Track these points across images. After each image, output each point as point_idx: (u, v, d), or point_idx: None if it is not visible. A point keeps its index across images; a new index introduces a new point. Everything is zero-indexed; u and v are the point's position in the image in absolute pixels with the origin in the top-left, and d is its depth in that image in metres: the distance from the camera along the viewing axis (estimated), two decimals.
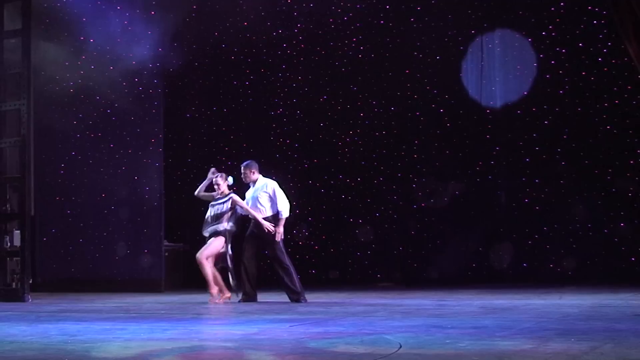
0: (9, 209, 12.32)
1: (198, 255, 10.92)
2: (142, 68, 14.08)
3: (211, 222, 10.97)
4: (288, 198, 10.96)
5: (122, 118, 14.24)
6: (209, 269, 10.87)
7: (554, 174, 14.40)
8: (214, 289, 10.89)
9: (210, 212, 11.03)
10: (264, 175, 11.09)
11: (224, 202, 10.95)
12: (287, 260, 10.77)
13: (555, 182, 14.42)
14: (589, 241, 14.17)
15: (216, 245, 10.87)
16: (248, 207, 10.87)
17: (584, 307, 9.42)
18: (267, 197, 10.88)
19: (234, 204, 10.90)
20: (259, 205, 10.85)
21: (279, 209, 10.78)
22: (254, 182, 11.01)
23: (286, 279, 10.70)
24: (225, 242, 10.88)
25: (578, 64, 14.30)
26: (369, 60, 15.29)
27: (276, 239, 10.69)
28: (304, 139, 15.61)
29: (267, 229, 10.71)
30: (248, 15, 15.26)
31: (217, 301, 10.99)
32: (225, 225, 10.88)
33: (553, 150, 14.45)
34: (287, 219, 10.83)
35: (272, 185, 10.94)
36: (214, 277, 11.01)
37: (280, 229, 10.72)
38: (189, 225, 15.10)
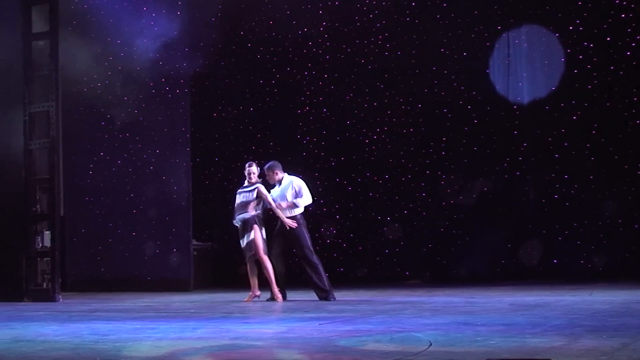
0: (39, 210, 12.42)
1: (259, 259, 10.92)
2: (169, 68, 14.14)
3: (238, 211, 11.02)
4: (314, 196, 10.98)
5: (150, 118, 14.30)
6: (270, 267, 10.88)
7: (583, 169, 14.28)
8: (275, 288, 10.90)
9: (237, 200, 11.09)
10: (289, 174, 11.12)
11: (250, 191, 10.99)
12: (315, 258, 10.79)
13: (584, 178, 14.31)
14: (619, 237, 14.05)
15: (257, 237, 10.88)
16: (272, 201, 10.90)
17: (615, 303, 9.34)
18: (293, 195, 10.90)
19: (259, 194, 10.94)
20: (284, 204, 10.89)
21: (298, 201, 10.79)
22: (280, 181, 11.03)
23: (314, 277, 10.71)
24: (259, 228, 10.91)
25: (606, 59, 14.17)
26: (395, 58, 15.25)
27: (286, 225, 10.71)
28: (330, 137, 15.59)
29: (289, 226, 10.74)
30: (274, 14, 15.28)
31: (245, 300, 11.02)
32: (252, 212, 10.92)
33: (582, 145, 14.33)
34: (304, 215, 10.85)
35: (297, 182, 10.97)
36: (252, 271, 11.04)
37: (293, 223, 10.74)
38: (217, 224, 15.17)
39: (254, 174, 11.06)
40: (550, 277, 13.93)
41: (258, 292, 11.06)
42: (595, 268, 14.04)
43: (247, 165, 11.17)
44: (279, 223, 10.92)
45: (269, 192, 11.02)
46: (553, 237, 14.40)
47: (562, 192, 14.40)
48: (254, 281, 11.07)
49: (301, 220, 10.92)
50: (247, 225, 10.91)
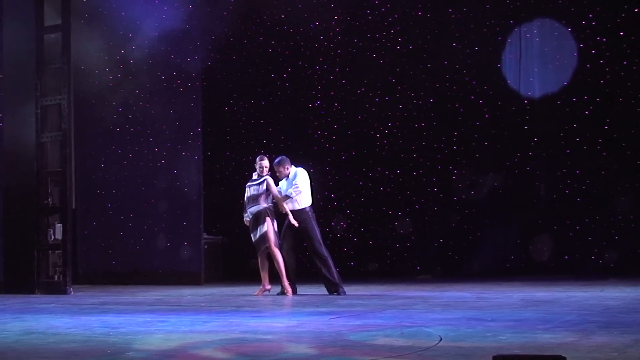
0: (51, 202, 12.47)
1: (271, 251, 10.93)
2: (180, 62, 14.16)
3: (249, 204, 11.04)
4: (324, 191, 10.98)
5: (161, 112, 14.33)
6: (281, 260, 10.89)
7: (595, 165, 14.23)
8: (286, 282, 10.91)
9: (247, 193, 11.10)
10: (295, 166, 11.17)
11: (260, 184, 11.01)
12: (325, 252, 10.80)
13: (596, 173, 14.25)
14: (631, 233, 13.99)
15: (269, 229, 10.90)
16: (278, 195, 10.93)
17: (626, 299, 9.31)
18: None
19: (267, 187, 10.95)
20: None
21: (289, 191, 10.80)
22: (288, 176, 11.06)
23: (324, 270, 10.72)
24: (271, 220, 10.93)
25: (619, 53, 14.10)
26: (407, 52, 15.22)
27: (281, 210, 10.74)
28: (341, 132, 15.58)
29: (292, 223, 10.77)
30: (285, 8, 15.27)
31: (255, 294, 11.03)
32: (264, 205, 10.93)
33: (594, 141, 14.28)
34: (313, 208, 10.90)
35: (297, 174, 10.96)
36: (263, 265, 11.06)
37: (285, 207, 10.79)
38: (228, 218, 15.17)
39: (265, 167, 11.07)
40: (561, 273, 13.89)
41: (269, 286, 11.07)
42: (606, 264, 13.99)
43: (258, 158, 11.18)
44: (287, 221, 10.93)
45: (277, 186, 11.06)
46: (564, 232, 14.36)
47: (574, 188, 14.35)
48: (265, 275, 11.08)
49: (310, 214, 10.93)
50: (259, 218, 10.92)
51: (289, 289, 10.85)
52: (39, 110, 12.39)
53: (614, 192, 14.13)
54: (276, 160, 11.15)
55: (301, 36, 15.58)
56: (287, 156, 11.21)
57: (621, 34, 14.11)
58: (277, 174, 11.11)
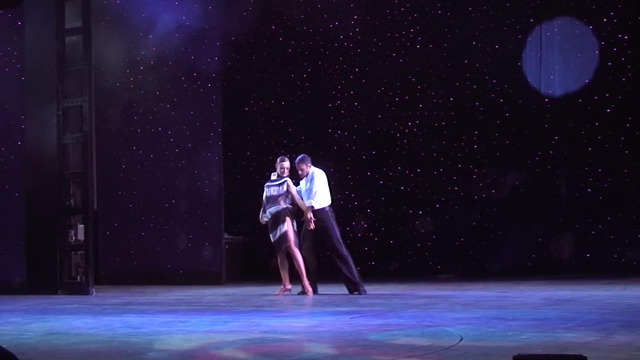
0: (73, 203, 12.55)
1: (291, 251, 10.95)
2: (201, 63, 14.19)
3: (268, 204, 11.06)
4: (344, 190, 10.98)
5: (182, 112, 14.37)
6: (301, 260, 10.91)
7: (617, 163, 14.13)
8: (306, 282, 10.92)
9: (266, 193, 11.12)
10: (315, 166, 11.20)
11: (280, 184, 11.04)
12: (345, 251, 10.81)
13: (618, 172, 14.15)
14: None
15: (289, 229, 10.92)
16: (298, 197, 10.97)
17: None
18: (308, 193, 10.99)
19: (288, 188, 10.98)
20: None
21: (310, 202, 10.82)
22: (308, 175, 11.08)
23: (344, 270, 10.73)
24: (291, 220, 10.95)
25: None
26: (427, 51, 15.18)
27: (308, 227, 10.74)
28: (362, 131, 15.56)
29: (308, 223, 10.78)
30: (304, 8, 15.27)
31: (276, 294, 11.05)
32: (284, 205, 10.96)
33: (616, 139, 14.18)
34: (332, 207, 10.85)
35: (315, 178, 10.98)
36: (283, 265, 11.08)
37: (308, 216, 10.77)
38: (249, 218, 15.20)
39: (287, 168, 11.11)
40: (583, 272, 13.81)
41: (289, 286, 11.09)
42: (629, 262, 13.89)
43: (279, 159, 11.21)
44: (306, 221, 10.93)
45: (297, 186, 11.10)
46: (586, 231, 14.28)
47: (595, 186, 14.26)
48: (285, 274, 11.11)
49: (330, 213, 10.95)
50: (278, 218, 10.95)
51: (309, 289, 10.86)
52: (61, 112, 12.48)
53: (636, 191, 14.03)
54: (298, 158, 11.18)
55: (321, 36, 15.58)
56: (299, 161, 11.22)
57: None
58: (299, 172, 11.13)
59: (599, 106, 14.25)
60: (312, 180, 10.97)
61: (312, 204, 10.84)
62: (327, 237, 10.86)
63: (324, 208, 10.91)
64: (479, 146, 14.96)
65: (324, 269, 11.76)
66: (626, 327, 6.37)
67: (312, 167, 11.15)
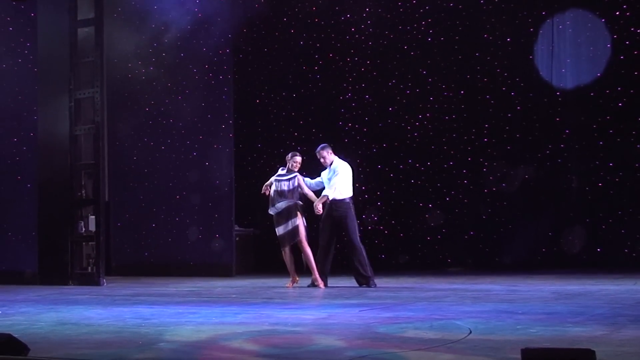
0: (84, 195, 12.61)
1: (301, 245, 10.99)
2: (212, 54, 14.23)
3: (277, 199, 11.06)
4: (355, 183, 10.99)
5: (193, 104, 14.40)
6: (311, 254, 10.95)
7: (628, 157, 14.09)
8: (317, 274, 10.95)
9: (276, 187, 11.11)
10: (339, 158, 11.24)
11: (290, 179, 11.05)
12: (360, 244, 10.81)
13: (630, 166, 14.12)
14: None
15: (301, 223, 10.95)
16: (308, 191, 11.01)
17: None
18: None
19: (299, 183, 11.00)
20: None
21: (327, 190, 10.83)
22: (331, 164, 11.09)
23: (356, 262, 10.74)
24: (301, 215, 10.98)
25: None
26: (438, 44, 15.17)
27: (315, 211, 10.78)
28: (372, 124, 15.57)
29: (316, 209, 10.80)
30: (316, 1, 15.27)
31: (287, 286, 11.08)
32: (294, 200, 10.98)
33: (628, 133, 14.14)
34: (343, 199, 10.91)
35: (335, 164, 11.00)
36: (291, 258, 11.12)
37: (319, 206, 10.83)
38: (259, 210, 15.23)
39: (299, 163, 11.13)
40: (593, 266, 13.79)
41: (297, 278, 11.13)
42: None
43: (291, 154, 11.22)
44: (326, 209, 10.94)
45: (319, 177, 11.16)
46: (597, 225, 14.25)
47: (607, 180, 14.23)
48: (292, 267, 11.15)
49: (350, 204, 10.97)
50: (290, 213, 10.96)
51: (320, 281, 10.88)
52: (73, 103, 12.54)
53: None
54: (322, 145, 11.21)
55: (332, 29, 15.59)
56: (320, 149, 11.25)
57: None
58: (321, 160, 11.13)
59: (610, 100, 14.21)
60: (334, 172, 10.99)
61: (327, 194, 10.85)
62: (346, 229, 10.88)
63: (344, 199, 10.92)
64: (489, 139, 14.95)
65: (335, 262, 11.77)
66: (636, 322, 6.36)
67: (337, 159, 11.15)
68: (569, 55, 14.53)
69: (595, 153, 14.31)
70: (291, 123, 15.85)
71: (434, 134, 15.23)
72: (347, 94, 15.71)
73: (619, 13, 14.14)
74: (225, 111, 14.33)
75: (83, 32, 12.63)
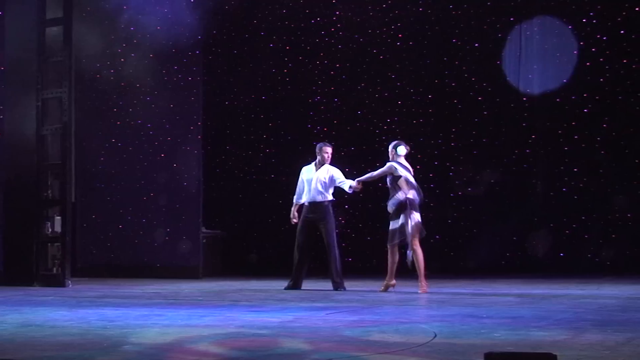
0: (51, 195, 12.51)
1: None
2: (181, 56, 14.19)
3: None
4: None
5: (162, 106, 14.33)
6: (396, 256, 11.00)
7: (593, 163, 14.25)
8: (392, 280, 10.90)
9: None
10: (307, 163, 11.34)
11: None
12: (334, 243, 10.92)
13: (594, 171, 14.28)
14: (628, 231, 14.03)
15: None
16: (368, 175, 11.34)
17: (622, 298, 9.36)
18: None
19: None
20: (320, 189, 11.05)
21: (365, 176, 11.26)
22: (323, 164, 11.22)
23: (333, 265, 10.84)
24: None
25: (619, 52, 14.13)
26: (407, 48, 15.23)
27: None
28: (341, 127, 15.59)
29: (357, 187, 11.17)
30: (287, 3, 15.29)
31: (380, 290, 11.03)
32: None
33: (593, 139, 14.30)
34: (322, 202, 11.12)
35: (332, 170, 11.19)
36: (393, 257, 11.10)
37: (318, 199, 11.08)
38: (227, 212, 15.22)
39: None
40: (558, 270, 13.92)
41: (394, 282, 10.94)
42: (603, 262, 14.02)
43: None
44: (304, 210, 10.96)
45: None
46: (561, 230, 14.39)
47: (571, 185, 14.39)
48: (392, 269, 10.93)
49: (330, 208, 11.07)
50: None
51: (393, 284, 10.76)
52: (40, 103, 12.43)
53: (612, 190, 14.16)
54: (320, 144, 11.38)
55: (302, 31, 15.60)
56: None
57: (622, 32, 14.14)
58: (325, 156, 11.32)
59: (576, 106, 14.37)
60: (334, 170, 11.15)
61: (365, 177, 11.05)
62: (327, 231, 10.96)
63: (323, 202, 11.00)
64: (456, 143, 15.05)
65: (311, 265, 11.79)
66: (598, 326, 6.45)
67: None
68: (536, 61, 14.67)
69: (560, 158, 14.45)
70: (260, 125, 15.83)
71: (401, 138, 15.24)
72: (316, 97, 15.73)
73: (586, 20, 14.31)
74: (194, 113, 14.29)
75: (51, 31, 12.53)
